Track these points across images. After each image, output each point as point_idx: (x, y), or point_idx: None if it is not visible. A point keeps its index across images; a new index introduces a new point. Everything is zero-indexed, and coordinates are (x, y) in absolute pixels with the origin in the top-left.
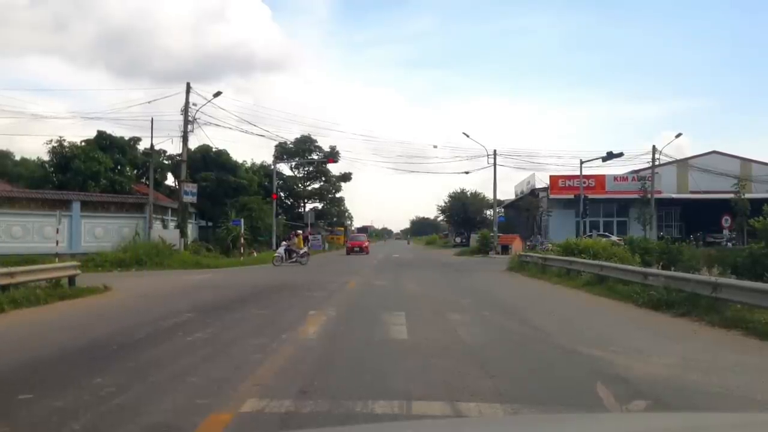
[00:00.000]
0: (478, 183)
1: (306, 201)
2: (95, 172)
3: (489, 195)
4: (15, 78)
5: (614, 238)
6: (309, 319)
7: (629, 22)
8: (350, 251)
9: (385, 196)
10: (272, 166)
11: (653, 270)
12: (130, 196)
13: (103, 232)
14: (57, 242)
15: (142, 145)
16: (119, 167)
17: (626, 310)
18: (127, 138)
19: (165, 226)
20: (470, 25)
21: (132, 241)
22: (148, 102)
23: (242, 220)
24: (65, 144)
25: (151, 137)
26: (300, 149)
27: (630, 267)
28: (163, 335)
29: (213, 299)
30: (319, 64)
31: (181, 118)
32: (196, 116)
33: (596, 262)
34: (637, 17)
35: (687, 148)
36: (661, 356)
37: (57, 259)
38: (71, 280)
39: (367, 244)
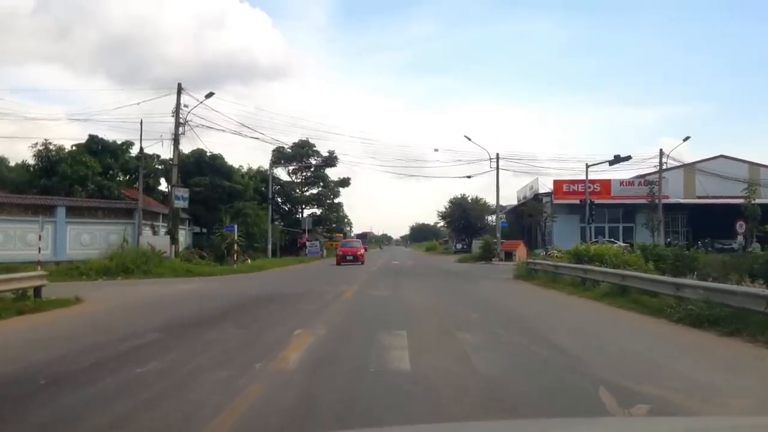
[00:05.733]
0: (478, 189)
1: (304, 207)
2: (82, 176)
3: (490, 200)
4: (16, 85)
5: (620, 243)
6: (293, 340)
7: (629, 28)
8: (342, 261)
9: (384, 203)
10: (269, 171)
11: (689, 281)
12: (118, 202)
13: (89, 238)
14: (39, 249)
15: (136, 150)
16: (111, 172)
17: (660, 327)
18: (119, 142)
19: (155, 233)
20: (470, 30)
21: (119, 248)
22: (137, 104)
23: (236, 226)
24: (51, 147)
25: (141, 140)
26: (298, 154)
27: (658, 277)
28: (111, 364)
29: (191, 313)
30: (319, 70)
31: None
32: (188, 118)
33: (617, 270)
34: (638, 22)
35: (688, 153)
36: (734, 396)
37: (39, 267)
38: (37, 291)
39: (362, 252)
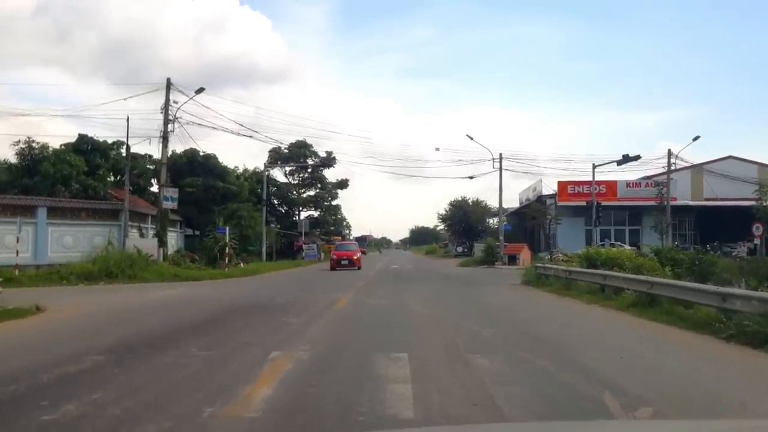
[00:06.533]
0: (478, 191)
1: (301, 209)
2: (65, 175)
3: (491, 203)
4: (15, 88)
5: (626, 247)
6: (266, 368)
7: (629, 32)
8: (336, 265)
9: (384, 206)
10: (264, 171)
11: (740, 290)
12: (103, 202)
13: (72, 241)
14: (17, 252)
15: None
16: (99, 172)
17: (711, 346)
18: (110, 142)
19: (143, 235)
20: (470, 34)
21: (104, 251)
22: (124, 99)
23: (227, 228)
24: (34, 145)
25: (127, 137)
26: (295, 155)
27: (698, 285)
28: (13, 407)
29: (155, 327)
30: (319, 73)
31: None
32: (179, 116)
33: (644, 277)
34: (637, 26)
35: (690, 156)
36: None
37: (17, 271)
38: None
39: (358, 255)
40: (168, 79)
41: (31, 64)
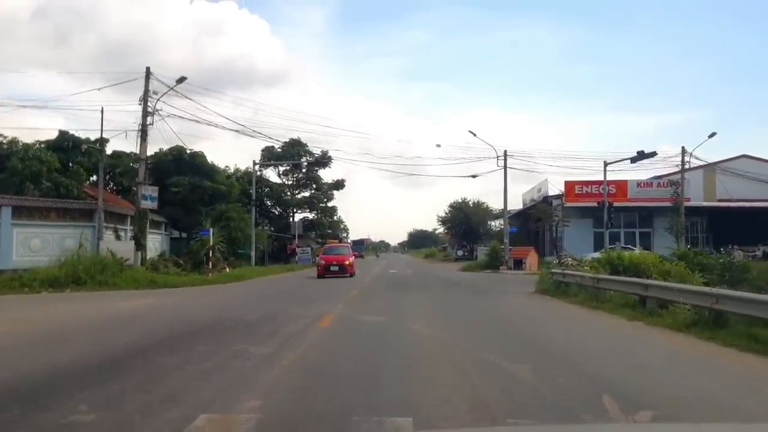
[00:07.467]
0: (479, 194)
1: (295, 210)
2: (35, 172)
3: (492, 205)
4: (15, 90)
5: (637, 250)
6: None
7: (627, 35)
8: (324, 272)
9: (382, 210)
10: (255, 169)
11: None
12: (75, 202)
13: (40, 243)
14: None
15: (110, 147)
16: (72, 168)
17: None
18: (93, 139)
19: (119, 237)
20: (469, 37)
21: (74, 254)
22: (98, 89)
23: (211, 230)
24: (2, 140)
25: (101, 130)
26: (289, 153)
27: None
28: None
29: (64, 361)
30: (317, 77)
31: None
32: (158, 107)
33: (706, 288)
34: (635, 29)
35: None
36: None
37: None
38: None
39: (351, 260)
40: (147, 68)
41: (30, 66)
